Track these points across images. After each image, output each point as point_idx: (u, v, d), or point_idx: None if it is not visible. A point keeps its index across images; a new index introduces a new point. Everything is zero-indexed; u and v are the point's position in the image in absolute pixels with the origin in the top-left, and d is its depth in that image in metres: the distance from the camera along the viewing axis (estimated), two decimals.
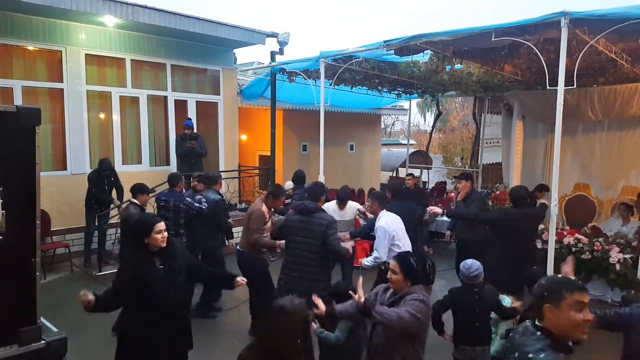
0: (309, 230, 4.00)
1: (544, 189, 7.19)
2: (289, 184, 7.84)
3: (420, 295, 2.54)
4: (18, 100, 6.81)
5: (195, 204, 5.38)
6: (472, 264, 3.45)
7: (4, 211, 1.75)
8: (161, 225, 2.89)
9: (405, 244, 4.38)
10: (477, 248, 5.55)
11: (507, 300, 3.68)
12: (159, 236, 2.87)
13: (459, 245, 5.93)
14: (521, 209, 4.69)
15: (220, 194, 5.69)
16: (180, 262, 3.02)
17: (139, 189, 5.36)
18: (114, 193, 7.14)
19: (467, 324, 3.40)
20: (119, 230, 7.30)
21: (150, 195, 5.69)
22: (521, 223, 4.60)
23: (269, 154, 9.17)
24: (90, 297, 2.62)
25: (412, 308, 2.43)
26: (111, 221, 6.97)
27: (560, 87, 4.68)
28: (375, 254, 4.35)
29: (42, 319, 1.97)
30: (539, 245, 6.20)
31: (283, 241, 4.33)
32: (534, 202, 7.07)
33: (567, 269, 2.84)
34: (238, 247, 4.88)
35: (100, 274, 6.63)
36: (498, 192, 8.64)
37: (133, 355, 2.92)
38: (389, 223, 4.36)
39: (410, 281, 2.59)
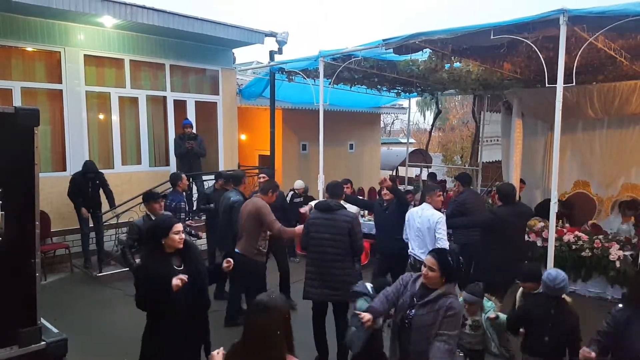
0: (335, 227, 4.11)
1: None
2: (299, 183, 7.88)
3: (456, 303, 2.60)
4: (17, 102, 6.80)
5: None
6: (557, 275, 3.16)
7: (3, 212, 1.75)
8: (178, 226, 2.91)
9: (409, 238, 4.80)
10: (474, 250, 5.62)
11: (490, 305, 3.61)
12: (176, 237, 2.88)
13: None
14: (510, 207, 4.73)
15: (243, 195, 5.52)
16: (201, 264, 3.01)
17: (150, 197, 4.99)
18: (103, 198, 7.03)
19: (535, 336, 3.21)
20: (119, 232, 7.32)
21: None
22: (510, 222, 4.64)
23: (268, 153, 9.16)
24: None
25: (450, 334, 2.54)
26: (110, 222, 6.96)
27: (560, 85, 4.68)
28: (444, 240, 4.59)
29: (43, 320, 1.97)
30: (539, 243, 6.22)
31: (301, 226, 4.41)
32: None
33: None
34: (237, 250, 4.68)
35: (100, 274, 6.63)
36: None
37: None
38: (412, 211, 4.90)
39: (445, 278, 2.63)
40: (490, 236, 4.70)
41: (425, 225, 4.61)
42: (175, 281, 2.71)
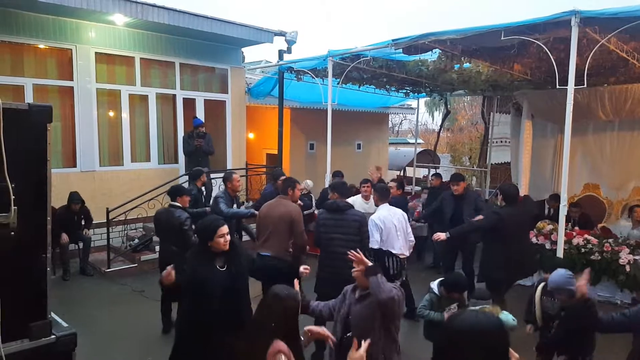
0: (344, 227, 4.19)
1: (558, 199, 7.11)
2: (308, 183, 7.90)
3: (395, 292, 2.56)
4: (29, 98, 6.89)
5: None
6: None
7: (15, 207, 1.77)
8: (224, 229, 2.99)
9: (392, 240, 4.57)
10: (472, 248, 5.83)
11: (508, 317, 3.42)
12: (221, 240, 2.96)
13: (445, 248, 5.88)
14: (514, 208, 4.72)
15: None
16: (243, 266, 3.09)
17: (178, 191, 5.05)
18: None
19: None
20: (128, 228, 7.38)
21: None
22: (513, 223, 4.64)
23: (276, 152, 9.19)
24: (172, 277, 2.86)
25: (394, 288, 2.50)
26: (119, 218, 7.01)
27: (570, 87, 4.64)
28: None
29: (52, 314, 1.99)
30: (547, 245, 6.18)
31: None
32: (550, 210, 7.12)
33: (582, 281, 2.78)
34: (268, 254, 4.33)
35: (108, 270, 6.69)
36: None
37: (188, 352, 3.00)
38: (380, 217, 4.61)
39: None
40: (492, 235, 4.68)
41: (403, 221, 4.77)
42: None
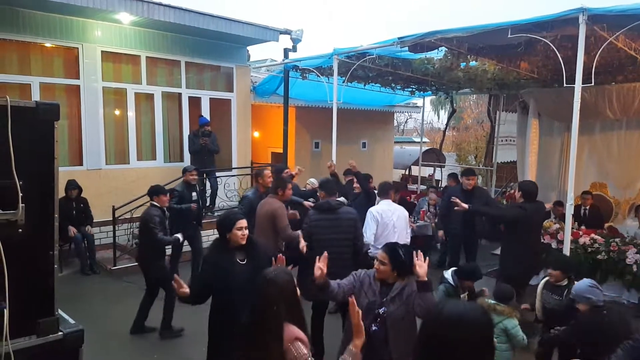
0: (339, 227, 4.05)
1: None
2: (312, 181, 7.92)
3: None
4: (36, 96, 6.94)
5: None
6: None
7: (23, 205, 1.78)
8: (242, 222, 3.05)
9: (388, 236, 4.50)
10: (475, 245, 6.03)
11: (518, 333, 3.41)
12: (239, 232, 3.01)
13: (455, 242, 6.16)
14: (535, 204, 4.70)
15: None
16: (264, 261, 3.09)
17: (155, 191, 5.07)
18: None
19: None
20: (134, 226, 7.40)
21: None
22: (535, 218, 4.67)
23: (281, 151, 9.19)
24: (185, 290, 2.86)
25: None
26: (125, 216, 7.05)
27: (578, 85, 4.61)
28: (364, 236, 4.44)
29: (60, 311, 2.01)
30: (554, 245, 6.15)
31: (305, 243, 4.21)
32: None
33: None
34: None
35: (114, 268, 6.73)
36: (512, 191, 8.54)
37: (215, 342, 3.07)
38: (379, 210, 4.59)
39: (397, 272, 2.62)
40: (515, 230, 4.66)
41: (403, 220, 4.71)
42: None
